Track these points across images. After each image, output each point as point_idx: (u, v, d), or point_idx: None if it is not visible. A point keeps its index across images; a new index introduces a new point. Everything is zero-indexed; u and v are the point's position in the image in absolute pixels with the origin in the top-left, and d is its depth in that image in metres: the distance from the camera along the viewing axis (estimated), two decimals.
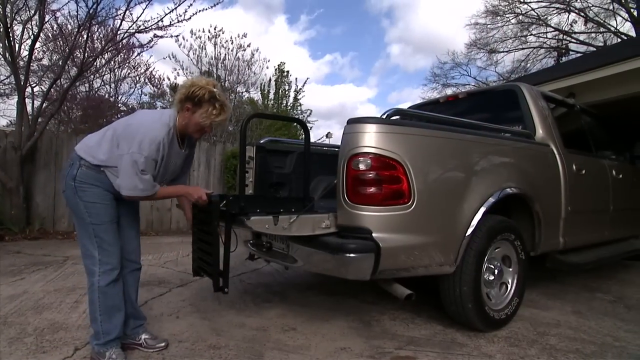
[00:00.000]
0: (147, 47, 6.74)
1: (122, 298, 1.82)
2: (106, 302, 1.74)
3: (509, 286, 2.38)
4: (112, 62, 9.00)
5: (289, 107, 11.40)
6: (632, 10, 13.79)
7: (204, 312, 2.49)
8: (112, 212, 1.76)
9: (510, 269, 2.39)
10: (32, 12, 5.88)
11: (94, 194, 1.71)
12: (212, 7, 6.53)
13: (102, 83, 10.47)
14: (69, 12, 8.87)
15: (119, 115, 11.26)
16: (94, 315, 1.74)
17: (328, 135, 12.59)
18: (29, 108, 6.53)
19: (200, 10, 6.20)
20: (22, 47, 6.36)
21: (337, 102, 37.00)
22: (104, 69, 9.19)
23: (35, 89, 8.73)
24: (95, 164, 1.70)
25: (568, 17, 15.40)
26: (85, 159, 1.71)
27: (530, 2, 15.60)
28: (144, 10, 5.83)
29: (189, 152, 1.97)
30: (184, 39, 9.88)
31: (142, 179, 1.65)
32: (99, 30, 7.91)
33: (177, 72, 10.50)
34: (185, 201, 1.99)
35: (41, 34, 6.19)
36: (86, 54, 6.05)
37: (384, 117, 1.95)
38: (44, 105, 6.62)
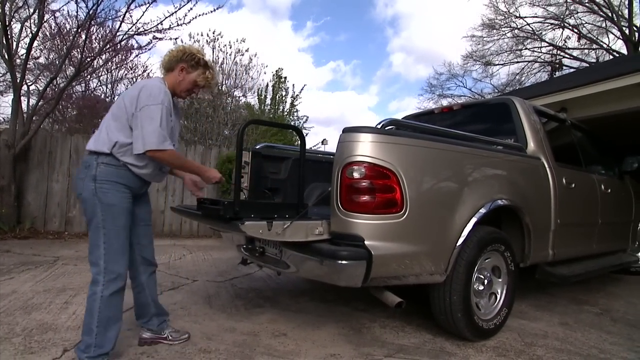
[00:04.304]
0: (145, 49, 6.76)
1: (121, 309, 1.78)
2: (106, 313, 1.68)
3: (498, 296, 2.41)
4: (110, 63, 8.99)
5: (286, 113, 11.44)
6: (624, 28, 14.09)
7: (195, 316, 2.48)
8: (127, 218, 1.76)
9: (500, 280, 2.42)
10: (32, 10, 5.88)
11: (114, 196, 1.71)
12: (211, 12, 6.50)
13: (99, 83, 10.47)
14: (68, 11, 8.90)
15: None
16: (89, 327, 1.67)
17: (323, 142, 12.64)
18: (24, 106, 6.51)
19: (200, 15, 6.24)
20: (20, 45, 6.35)
21: (338, 109, 37.30)
22: (102, 69, 9.18)
23: (31, 87, 8.71)
24: (110, 150, 1.70)
25: (562, 33, 15.75)
26: (100, 151, 1.71)
27: (525, 17, 15.92)
28: (144, 12, 5.83)
29: (177, 121, 2.01)
30: (182, 41, 9.91)
31: (156, 130, 1.66)
32: (98, 30, 7.93)
33: None
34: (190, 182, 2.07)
35: (39, 33, 6.18)
36: (84, 54, 6.05)
37: (379, 126, 1.98)
38: (40, 103, 6.60)
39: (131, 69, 10.27)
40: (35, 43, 6.28)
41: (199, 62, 1.90)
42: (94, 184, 1.69)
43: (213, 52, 10.19)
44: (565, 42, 15.74)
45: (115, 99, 10.87)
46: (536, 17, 15.83)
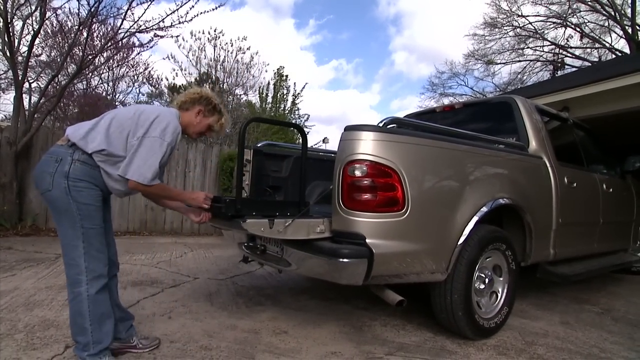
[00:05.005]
0: (147, 46, 6.77)
1: (110, 304, 1.74)
2: (96, 311, 1.64)
3: (499, 295, 2.41)
4: (111, 61, 8.99)
5: (287, 111, 11.44)
6: (626, 27, 14.03)
7: (196, 313, 2.49)
8: (101, 216, 1.71)
9: (501, 279, 2.42)
10: (33, 8, 5.88)
11: (89, 195, 1.63)
12: (213, 9, 6.52)
13: (100, 81, 10.47)
14: (70, 9, 8.90)
15: None
16: (82, 327, 1.63)
17: (325, 140, 12.67)
18: (25, 103, 6.51)
19: (201, 13, 6.25)
20: (22, 42, 6.36)
21: (340, 107, 37.27)
22: (103, 67, 9.18)
23: (33, 85, 8.72)
24: (92, 152, 1.62)
25: (564, 32, 15.68)
26: (82, 147, 1.62)
27: (528, 16, 15.86)
28: (145, 10, 5.83)
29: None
30: (184, 39, 9.95)
31: (154, 167, 1.62)
32: (100, 28, 7.92)
33: (176, 73, 10.57)
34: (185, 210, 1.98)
35: (41, 30, 6.18)
36: (86, 52, 6.06)
37: (381, 125, 1.98)
38: (41, 101, 6.61)
39: (132, 66, 10.27)
40: (37, 40, 6.29)
41: (215, 108, 1.93)
42: (66, 182, 1.59)
43: (214, 50, 10.22)
44: (568, 41, 15.70)
45: (128, 103, 10.90)
46: (538, 15, 15.78)
